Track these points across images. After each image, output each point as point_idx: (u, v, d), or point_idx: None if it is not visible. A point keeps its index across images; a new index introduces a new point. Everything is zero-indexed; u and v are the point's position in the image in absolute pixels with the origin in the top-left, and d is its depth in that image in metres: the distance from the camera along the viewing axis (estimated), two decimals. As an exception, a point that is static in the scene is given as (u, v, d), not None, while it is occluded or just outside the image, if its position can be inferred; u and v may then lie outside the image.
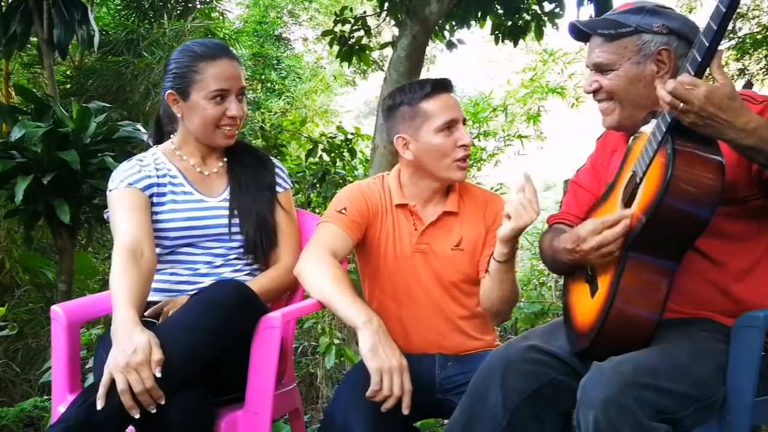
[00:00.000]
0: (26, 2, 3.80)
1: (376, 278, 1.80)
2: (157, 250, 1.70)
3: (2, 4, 3.91)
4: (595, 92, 1.51)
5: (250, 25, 9.93)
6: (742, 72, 7.79)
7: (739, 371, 1.33)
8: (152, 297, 1.68)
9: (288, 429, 2.22)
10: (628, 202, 1.37)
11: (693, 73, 1.21)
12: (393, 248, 1.76)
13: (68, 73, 6.08)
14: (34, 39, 4.42)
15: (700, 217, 1.25)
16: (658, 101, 1.28)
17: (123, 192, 1.69)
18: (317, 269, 1.62)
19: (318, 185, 4.49)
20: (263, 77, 9.35)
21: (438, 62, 10.64)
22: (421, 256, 1.76)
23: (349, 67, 5.15)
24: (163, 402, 1.36)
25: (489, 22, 4.47)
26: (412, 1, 3.61)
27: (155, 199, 1.73)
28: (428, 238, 1.76)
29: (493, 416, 1.40)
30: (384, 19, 4.83)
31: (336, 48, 4.50)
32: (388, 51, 4.46)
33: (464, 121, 1.74)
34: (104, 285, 3.69)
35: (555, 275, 3.73)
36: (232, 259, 1.77)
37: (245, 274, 1.77)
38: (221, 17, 8.03)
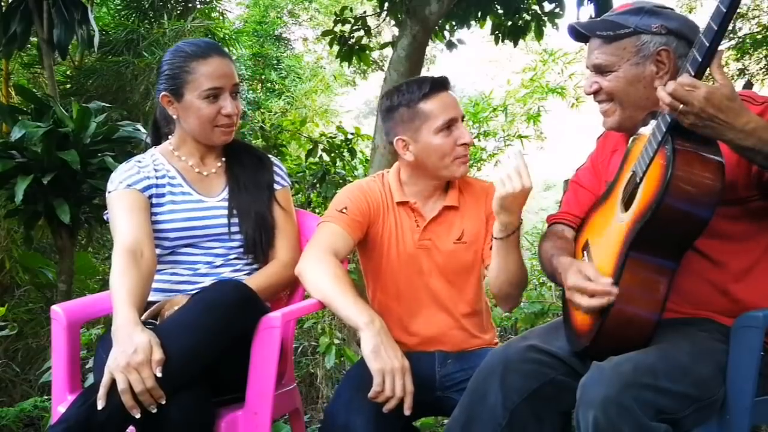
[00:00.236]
0: (26, 2, 3.80)
1: (379, 276, 1.80)
2: (158, 250, 1.71)
3: (2, 4, 3.91)
4: (595, 93, 1.52)
5: (250, 25, 9.93)
6: (742, 72, 7.80)
7: (738, 371, 1.33)
8: (152, 297, 1.68)
9: (288, 429, 2.23)
10: (628, 202, 1.38)
11: (693, 74, 1.21)
12: (396, 246, 1.77)
13: (68, 73, 6.09)
14: (34, 39, 4.42)
15: (699, 216, 1.25)
16: (657, 102, 1.28)
17: (122, 193, 1.70)
18: (318, 269, 1.62)
19: (318, 185, 4.49)
20: (263, 77, 9.36)
21: (438, 62, 10.65)
22: (424, 252, 1.76)
23: (349, 67, 5.15)
24: (163, 402, 1.36)
25: (489, 22, 4.47)
26: (412, 1, 3.61)
27: (154, 200, 1.73)
28: (430, 233, 1.76)
29: (492, 416, 1.40)
30: (384, 19, 4.83)
31: (336, 48, 4.49)
32: (388, 51, 4.45)
33: (463, 118, 1.74)
34: (104, 285, 3.70)
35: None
36: (232, 259, 1.77)
37: (245, 274, 1.77)
38: (221, 17, 8.04)
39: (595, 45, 1.49)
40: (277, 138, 5.32)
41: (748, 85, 6.91)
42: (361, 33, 4.44)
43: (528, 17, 4.36)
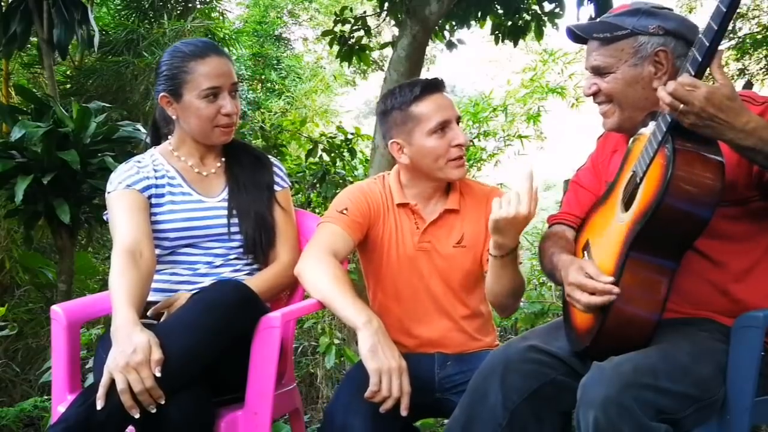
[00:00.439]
0: (26, 2, 3.80)
1: (379, 277, 1.80)
2: (157, 251, 1.71)
3: (2, 4, 3.91)
4: (594, 95, 1.52)
5: (250, 25, 9.93)
6: (742, 72, 7.80)
7: (738, 371, 1.33)
8: (152, 297, 1.68)
9: (288, 429, 2.23)
10: (628, 202, 1.38)
11: (693, 73, 1.21)
12: (396, 247, 1.77)
13: (68, 73, 6.09)
14: (34, 39, 4.42)
15: (700, 216, 1.25)
16: (657, 102, 1.28)
17: (121, 194, 1.70)
18: (317, 269, 1.62)
19: (318, 185, 4.49)
20: (263, 77, 9.35)
21: (438, 62, 10.65)
22: (424, 255, 1.76)
23: (349, 67, 5.15)
24: (163, 402, 1.36)
25: (489, 22, 4.46)
26: (412, 1, 3.61)
27: (154, 201, 1.73)
28: (430, 236, 1.76)
29: (492, 416, 1.40)
30: (384, 19, 4.83)
31: (336, 48, 4.49)
32: (388, 51, 4.45)
33: (458, 119, 1.73)
34: (104, 285, 3.69)
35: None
36: (231, 259, 1.77)
37: (245, 274, 1.77)
38: (221, 17, 8.04)
39: (593, 47, 1.49)
40: (277, 138, 5.32)
41: (748, 85, 6.91)
42: (361, 33, 4.44)
43: (528, 17, 4.36)
